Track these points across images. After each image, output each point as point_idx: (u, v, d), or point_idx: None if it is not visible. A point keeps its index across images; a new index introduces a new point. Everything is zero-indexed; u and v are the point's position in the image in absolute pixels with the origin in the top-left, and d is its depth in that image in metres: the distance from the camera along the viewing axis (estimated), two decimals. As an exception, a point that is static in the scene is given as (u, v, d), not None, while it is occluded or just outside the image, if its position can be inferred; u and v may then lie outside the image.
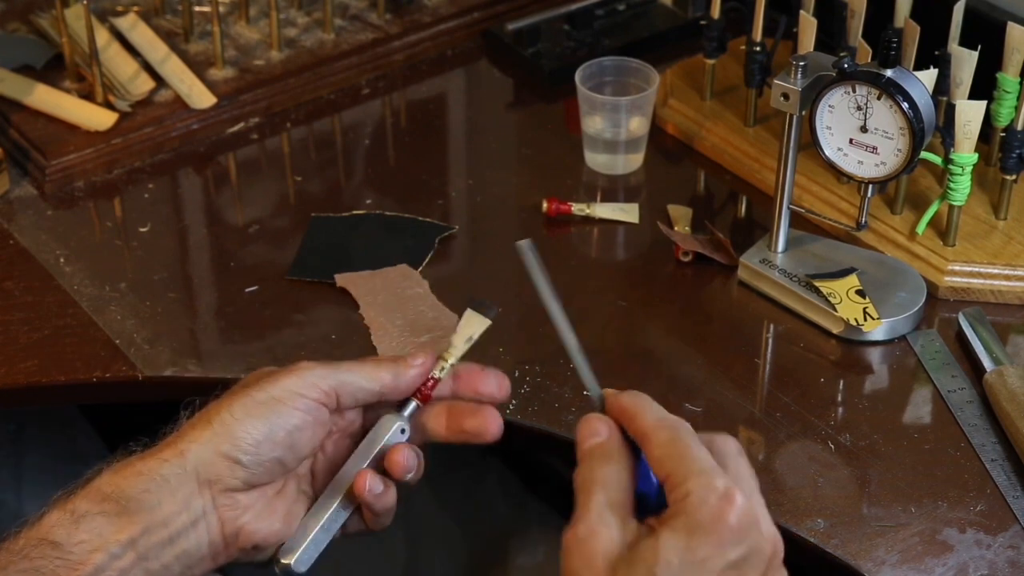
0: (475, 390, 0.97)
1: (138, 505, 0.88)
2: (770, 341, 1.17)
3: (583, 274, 1.22)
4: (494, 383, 0.97)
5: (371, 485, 0.93)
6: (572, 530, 0.80)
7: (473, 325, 0.98)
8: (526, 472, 1.31)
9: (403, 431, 0.95)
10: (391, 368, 0.95)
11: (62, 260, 1.22)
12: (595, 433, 0.84)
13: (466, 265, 1.24)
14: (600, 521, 0.80)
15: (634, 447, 0.83)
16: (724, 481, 0.78)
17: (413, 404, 0.96)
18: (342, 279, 1.19)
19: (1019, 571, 0.98)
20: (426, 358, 0.96)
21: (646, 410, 0.83)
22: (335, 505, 0.94)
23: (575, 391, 1.10)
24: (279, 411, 0.91)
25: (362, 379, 0.94)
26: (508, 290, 1.20)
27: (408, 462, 0.94)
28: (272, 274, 1.21)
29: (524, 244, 0.88)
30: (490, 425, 0.95)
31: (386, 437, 0.95)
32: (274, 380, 0.93)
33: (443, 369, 0.97)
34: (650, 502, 0.82)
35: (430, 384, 0.96)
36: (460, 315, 0.98)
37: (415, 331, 1.15)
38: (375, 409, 0.97)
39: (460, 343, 0.97)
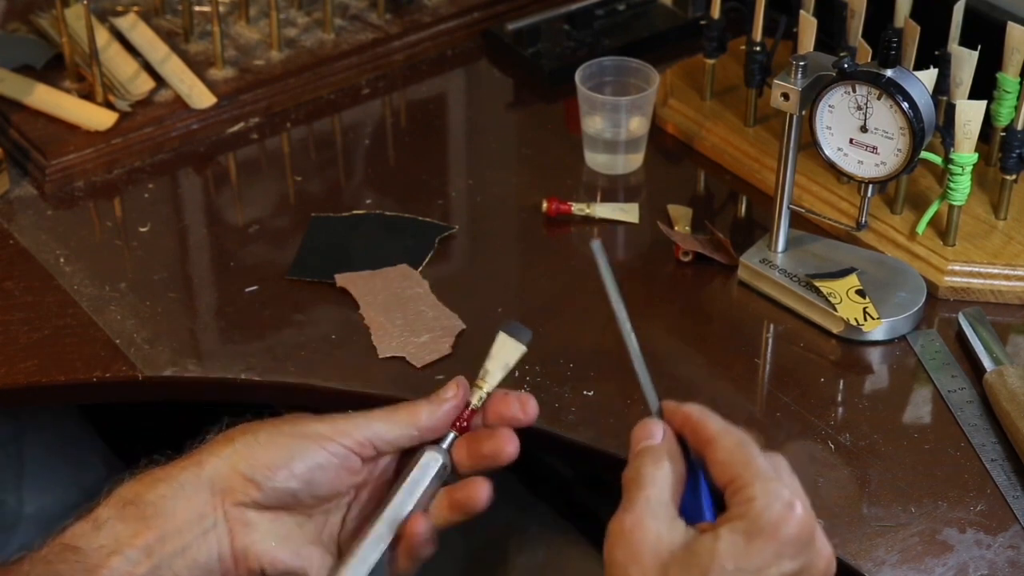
0: (500, 416, 0.94)
1: (155, 510, 0.89)
2: (770, 341, 1.17)
3: (583, 274, 1.21)
4: (516, 405, 0.93)
5: (424, 530, 0.91)
6: (618, 520, 0.79)
7: (507, 351, 0.95)
8: (526, 472, 1.31)
9: (445, 467, 0.93)
10: (426, 409, 0.93)
11: (62, 260, 1.22)
12: (650, 436, 0.84)
13: (466, 265, 1.24)
14: (648, 514, 0.79)
15: (688, 467, 0.83)
16: (788, 492, 0.79)
17: (452, 436, 0.94)
18: (342, 279, 1.19)
19: (1019, 571, 0.98)
20: (457, 389, 0.94)
21: (712, 418, 0.83)
22: (379, 552, 0.91)
23: (575, 391, 1.10)
24: (305, 446, 0.91)
25: (399, 428, 0.93)
26: (508, 290, 1.20)
27: (423, 532, 0.91)
28: (272, 274, 1.21)
29: (596, 245, 0.88)
30: (506, 445, 0.92)
31: (431, 476, 0.92)
32: (307, 421, 0.92)
33: (480, 399, 0.94)
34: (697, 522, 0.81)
35: (467, 414, 0.94)
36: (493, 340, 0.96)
37: (415, 331, 1.15)
38: (410, 451, 0.96)
39: (495, 370, 0.95)
